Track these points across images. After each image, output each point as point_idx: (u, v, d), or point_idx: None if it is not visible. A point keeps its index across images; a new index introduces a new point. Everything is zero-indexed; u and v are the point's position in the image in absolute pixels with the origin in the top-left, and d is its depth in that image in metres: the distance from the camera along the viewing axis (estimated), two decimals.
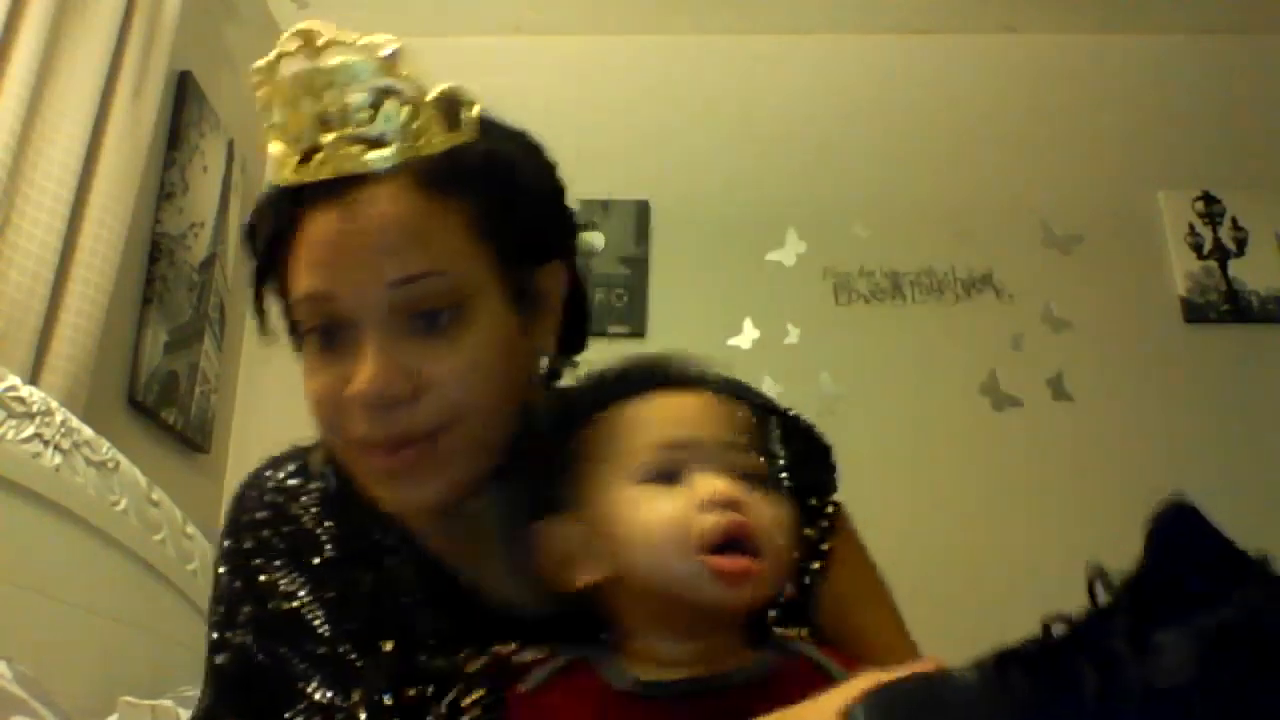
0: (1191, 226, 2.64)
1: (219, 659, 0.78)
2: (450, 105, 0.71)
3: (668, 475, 0.66)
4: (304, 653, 0.75)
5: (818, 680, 0.65)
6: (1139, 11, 2.77)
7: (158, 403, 2.08)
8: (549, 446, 0.72)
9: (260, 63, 0.71)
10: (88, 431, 1.50)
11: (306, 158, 0.69)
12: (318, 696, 0.74)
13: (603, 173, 2.60)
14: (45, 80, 1.63)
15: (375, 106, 0.68)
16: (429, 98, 0.69)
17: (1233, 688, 0.46)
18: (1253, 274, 2.59)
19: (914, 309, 2.59)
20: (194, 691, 1.54)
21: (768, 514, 0.65)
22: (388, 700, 0.73)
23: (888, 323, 2.57)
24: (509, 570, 0.75)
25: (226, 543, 0.82)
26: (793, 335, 2.52)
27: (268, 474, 0.85)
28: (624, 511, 0.66)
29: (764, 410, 0.84)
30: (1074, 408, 2.50)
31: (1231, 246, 2.62)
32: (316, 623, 0.76)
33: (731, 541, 0.63)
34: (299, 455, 0.85)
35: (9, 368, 1.41)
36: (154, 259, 2.11)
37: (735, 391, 0.77)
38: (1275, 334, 2.55)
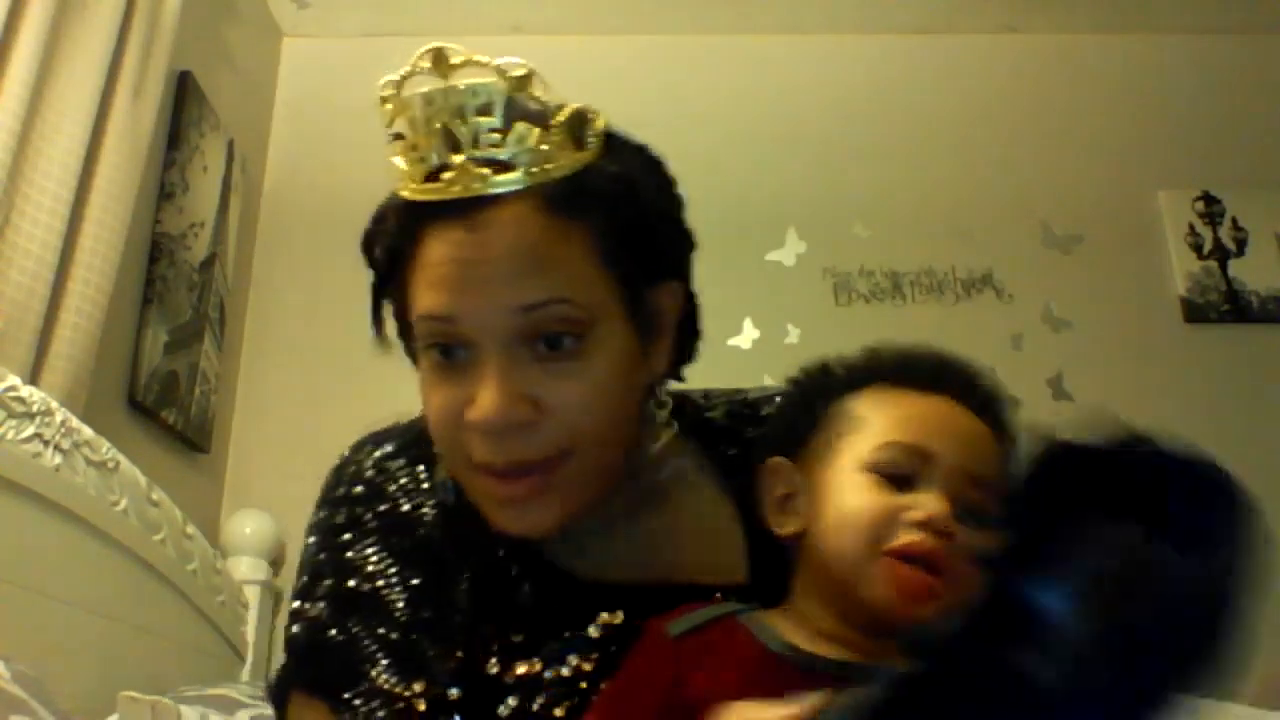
0: (1191, 226, 2.64)
1: (294, 628, 0.79)
2: (578, 124, 0.71)
3: (897, 476, 0.66)
4: (376, 635, 0.75)
5: None
6: (1139, 11, 2.77)
7: (158, 403, 2.08)
8: (795, 401, 0.74)
9: (389, 78, 0.71)
10: (88, 431, 1.50)
11: (434, 175, 0.69)
12: (381, 681, 0.74)
13: None
14: (45, 80, 1.63)
15: (506, 129, 0.68)
16: (559, 119, 0.69)
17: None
18: (1253, 274, 2.59)
19: (914, 309, 2.59)
20: (194, 691, 1.55)
21: (971, 553, 0.65)
22: (453, 694, 0.73)
23: (888, 323, 2.57)
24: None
25: (320, 513, 0.82)
26: (793, 335, 2.52)
27: (369, 448, 0.83)
28: (842, 489, 0.67)
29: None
30: (1074, 408, 2.50)
31: (1231, 246, 2.62)
32: (395, 607, 0.76)
33: (924, 561, 0.63)
34: (403, 433, 0.84)
35: (9, 368, 1.41)
36: (154, 259, 2.11)
37: (1003, 427, 0.74)
38: (1275, 334, 2.55)
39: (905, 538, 0.63)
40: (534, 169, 0.68)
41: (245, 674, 2.06)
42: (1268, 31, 2.80)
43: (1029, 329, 2.57)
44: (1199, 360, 2.53)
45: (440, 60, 0.69)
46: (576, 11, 2.79)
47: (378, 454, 0.82)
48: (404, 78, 0.70)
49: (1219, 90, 2.76)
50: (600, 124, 0.72)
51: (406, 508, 0.80)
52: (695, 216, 2.80)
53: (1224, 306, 2.57)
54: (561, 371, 0.69)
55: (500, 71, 0.68)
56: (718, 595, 0.74)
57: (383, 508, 0.80)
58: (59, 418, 1.42)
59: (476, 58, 0.69)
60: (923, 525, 0.63)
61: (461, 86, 0.68)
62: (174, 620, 1.78)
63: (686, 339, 0.81)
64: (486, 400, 0.68)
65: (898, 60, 2.81)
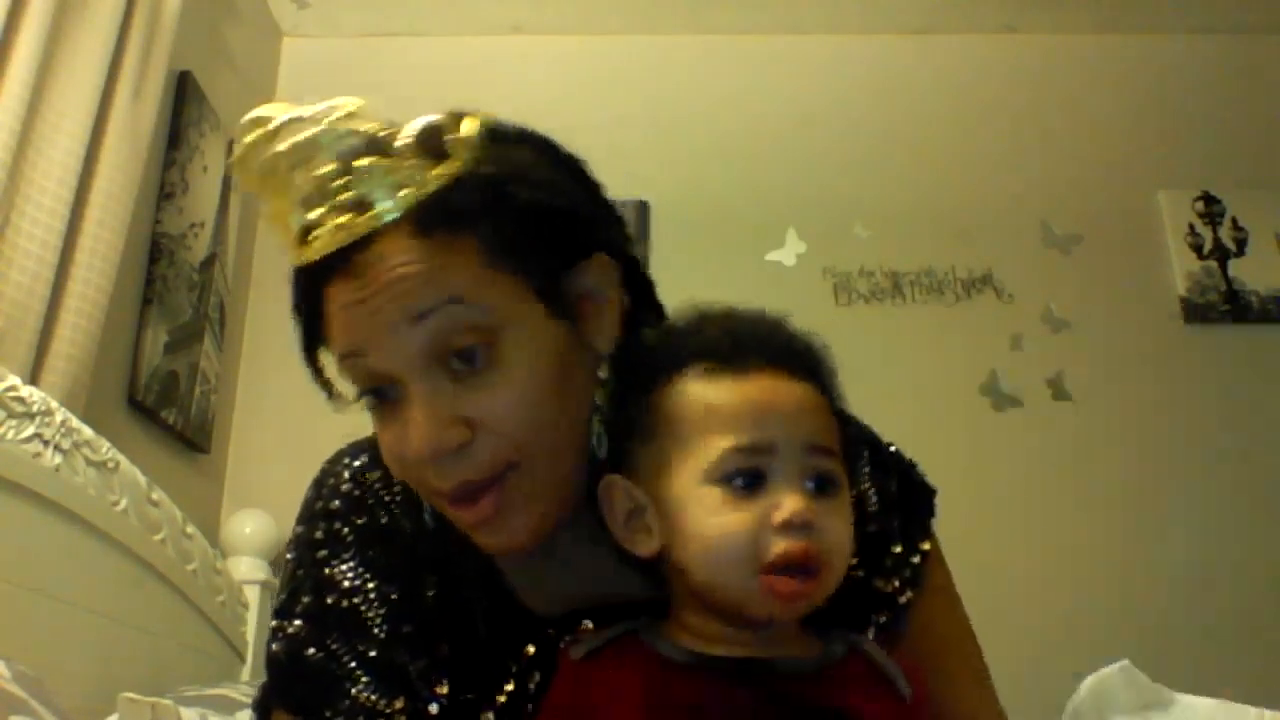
0: (1191, 226, 2.64)
1: (274, 646, 0.78)
2: (431, 138, 0.68)
3: (744, 479, 0.64)
4: (355, 652, 0.76)
5: (872, 679, 0.65)
6: (1139, 11, 2.77)
7: (158, 403, 2.08)
8: (620, 394, 0.71)
9: (231, 159, 0.72)
10: (88, 431, 1.50)
11: (305, 238, 0.69)
12: (362, 699, 0.74)
13: (603, 173, 2.59)
14: (45, 80, 1.63)
15: (346, 171, 0.67)
16: (400, 142, 0.67)
17: None
18: (1253, 274, 2.59)
19: (914, 309, 2.59)
20: (194, 691, 1.55)
21: (837, 531, 0.64)
22: (433, 709, 0.74)
23: (888, 323, 2.57)
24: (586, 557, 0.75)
25: (299, 529, 0.82)
26: None
27: (347, 460, 0.83)
28: (693, 508, 0.65)
29: (858, 441, 0.81)
30: (1074, 408, 2.50)
31: (1231, 246, 2.62)
32: (373, 623, 0.76)
33: (799, 566, 0.62)
34: (378, 445, 0.82)
35: (9, 368, 1.41)
36: (154, 259, 2.11)
37: (829, 376, 0.71)
38: (1275, 334, 2.55)
39: (775, 548, 0.62)
40: (392, 199, 0.67)
41: (245, 674, 2.06)
42: (1268, 31, 2.80)
43: (1029, 329, 2.57)
44: (1199, 360, 2.53)
45: (263, 124, 0.68)
46: (576, 11, 2.79)
47: (356, 465, 0.82)
48: (241, 158, 0.70)
49: (1219, 90, 2.76)
50: (465, 129, 0.70)
51: (384, 520, 0.80)
52: (696, 216, 2.81)
53: (1224, 306, 2.57)
54: (481, 384, 0.68)
55: (320, 118, 0.67)
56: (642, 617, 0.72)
57: (360, 521, 0.79)
58: (59, 418, 1.42)
59: (297, 112, 0.68)
60: (787, 527, 0.62)
61: (286, 147, 0.67)
62: (174, 620, 1.78)
63: (642, 306, 0.79)
64: (414, 434, 0.68)
65: (898, 60, 2.81)
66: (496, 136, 0.73)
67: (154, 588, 1.69)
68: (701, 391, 0.66)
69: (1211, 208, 2.65)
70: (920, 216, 2.65)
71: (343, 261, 0.68)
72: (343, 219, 0.67)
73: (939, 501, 0.85)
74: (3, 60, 1.55)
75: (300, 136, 0.67)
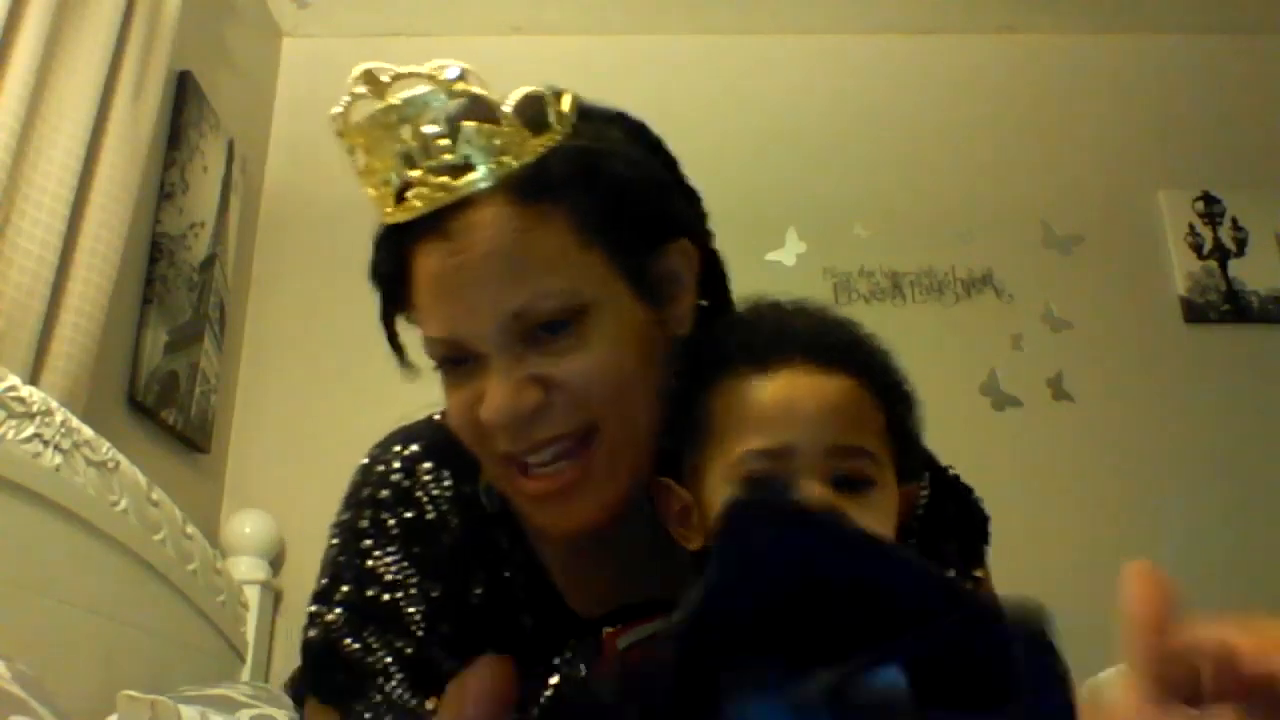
0: (1191, 226, 2.64)
1: (310, 633, 0.78)
2: (533, 108, 0.69)
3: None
4: (392, 648, 0.75)
5: None
6: (1139, 11, 2.77)
7: (158, 403, 2.08)
8: (673, 400, 0.70)
9: (333, 111, 0.70)
10: (88, 431, 1.50)
11: (400, 197, 0.68)
12: (394, 695, 0.73)
13: None
14: (45, 80, 1.63)
15: (452, 133, 0.67)
16: (505, 107, 0.67)
17: None
18: (1253, 274, 2.59)
19: (914, 309, 2.59)
20: (194, 691, 1.55)
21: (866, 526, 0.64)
22: None
23: (888, 323, 2.53)
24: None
25: (345, 514, 0.80)
26: None
27: (398, 447, 0.82)
28: (719, 510, 0.65)
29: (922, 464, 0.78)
30: (1074, 408, 2.50)
31: (1231, 246, 2.62)
32: (413, 620, 0.75)
33: None
34: (433, 432, 0.82)
35: (9, 368, 1.41)
36: (154, 259, 2.11)
37: (878, 367, 0.70)
38: (1275, 334, 2.55)
39: None
40: (492, 164, 0.67)
41: (245, 674, 2.06)
42: (1268, 31, 2.80)
43: (1029, 329, 2.57)
44: (1199, 360, 2.53)
45: (373, 80, 0.68)
46: (576, 11, 2.79)
47: (407, 453, 0.81)
48: (346, 107, 0.69)
49: (1219, 90, 2.76)
50: (562, 104, 0.71)
51: (432, 515, 0.78)
52: None
53: (1224, 306, 2.57)
54: (564, 349, 0.68)
55: (433, 76, 0.67)
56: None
57: (408, 514, 0.78)
58: (59, 418, 1.42)
59: (409, 69, 0.68)
60: None
61: (399, 101, 0.67)
62: (174, 620, 1.78)
63: (716, 295, 0.79)
64: (495, 394, 0.68)
65: (898, 60, 2.81)
66: (591, 114, 0.74)
67: (154, 588, 1.69)
68: (730, 393, 0.66)
69: (1211, 208, 2.65)
70: (920, 216, 2.65)
71: (437, 225, 0.68)
72: (443, 179, 0.67)
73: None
74: (3, 60, 1.55)
75: (412, 92, 0.67)
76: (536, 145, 0.68)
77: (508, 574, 0.78)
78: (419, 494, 0.79)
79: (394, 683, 0.74)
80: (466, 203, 0.67)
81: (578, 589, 0.78)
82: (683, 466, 0.69)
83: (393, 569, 0.77)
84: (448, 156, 0.67)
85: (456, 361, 0.71)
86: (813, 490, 0.62)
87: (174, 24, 1.98)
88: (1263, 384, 2.50)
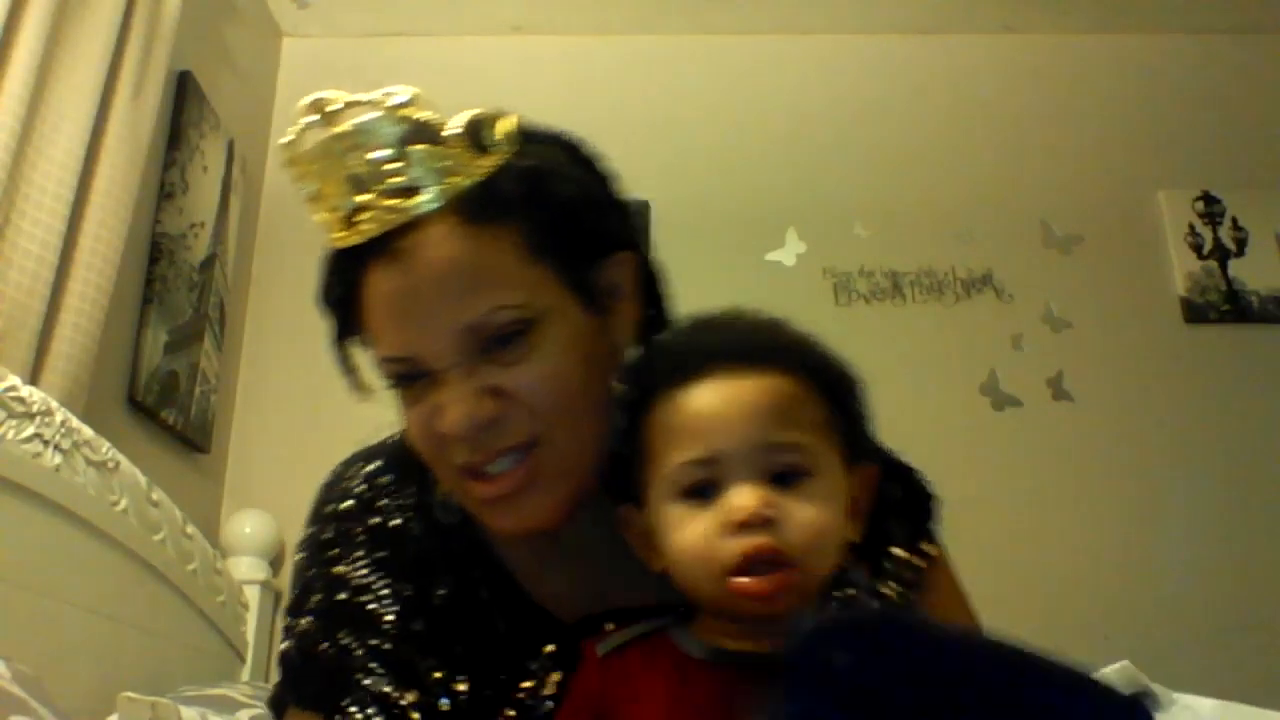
0: (1191, 226, 2.64)
1: (284, 644, 0.80)
2: (478, 130, 0.71)
3: (699, 491, 0.64)
4: (367, 646, 0.76)
5: None
6: (1139, 11, 2.77)
7: (158, 403, 2.08)
8: (618, 430, 0.72)
9: (283, 140, 0.72)
10: (88, 431, 1.50)
11: (350, 221, 0.70)
12: (375, 689, 0.74)
13: None
14: (45, 80, 1.63)
15: (401, 157, 0.69)
16: (451, 130, 0.70)
17: None
18: (1253, 274, 2.59)
19: (914, 309, 2.59)
20: (194, 691, 1.55)
21: (806, 518, 0.63)
22: (444, 705, 0.74)
23: (888, 323, 2.57)
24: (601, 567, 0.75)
25: (309, 530, 0.83)
26: None
27: (359, 465, 0.84)
28: (665, 528, 0.66)
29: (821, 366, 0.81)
30: (1074, 408, 2.50)
31: (1231, 246, 2.62)
32: (385, 619, 0.77)
33: (764, 560, 0.62)
34: (393, 449, 0.84)
35: (9, 368, 1.41)
36: (154, 259, 2.11)
37: (811, 359, 0.71)
38: (1275, 334, 2.55)
39: (734, 549, 0.62)
40: (441, 185, 0.69)
41: (245, 674, 2.06)
42: (1268, 31, 2.80)
43: (1029, 329, 2.57)
44: (1199, 360, 2.53)
45: (322, 109, 0.70)
46: (576, 11, 2.79)
47: (367, 470, 0.83)
48: (297, 137, 0.71)
49: (1219, 90, 2.76)
50: (505, 125, 0.72)
51: (396, 522, 0.80)
52: (696, 216, 2.82)
53: (1224, 306, 2.57)
54: (517, 360, 0.70)
55: (380, 103, 0.69)
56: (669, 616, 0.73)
57: (372, 521, 0.80)
58: (59, 418, 1.42)
59: (357, 97, 0.70)
60: (744, 526, 0.62)
61: (348, 128, 0.69)
62: (174, 620, 1.78)
63: (655, 304, 0.82)
64: (452, 407, 0.70)
65: (898, 60, 2.81)
66: (533, 134, 0.76)
67: (154, 588, 1.69)
68: (660, 412, 0.68)
69: (1211, 208, 2.65)
70: (920, 216, 2.65)
71: (387, 247, 0.69)
72: (392, 201, 0.69)
73: (942, 491, 0.84)
74: (3, 60, 1.55)
75: (360, 119, 0.69)
76: (483, 166, 0.71)
77: (474, 577, 0.79)
78: (382, 502, 0.81)
79: (373, 677, 0.75)
80: (416, 224, 0.69)
81: (548, 591, 0.79)
82: (637, 490, 0.70)
83: (360, 573, 0.78)
84: (397, 179, 0.69)
85: (411, 379, 0.73)
86: (747, 491, 0.63)
87: (174, 24, 1.99)
88: (1263, 384, 2.50)
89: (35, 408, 1.37)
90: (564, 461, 0.72)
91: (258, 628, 2.14)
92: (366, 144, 0.69)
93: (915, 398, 2.47)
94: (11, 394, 1.33)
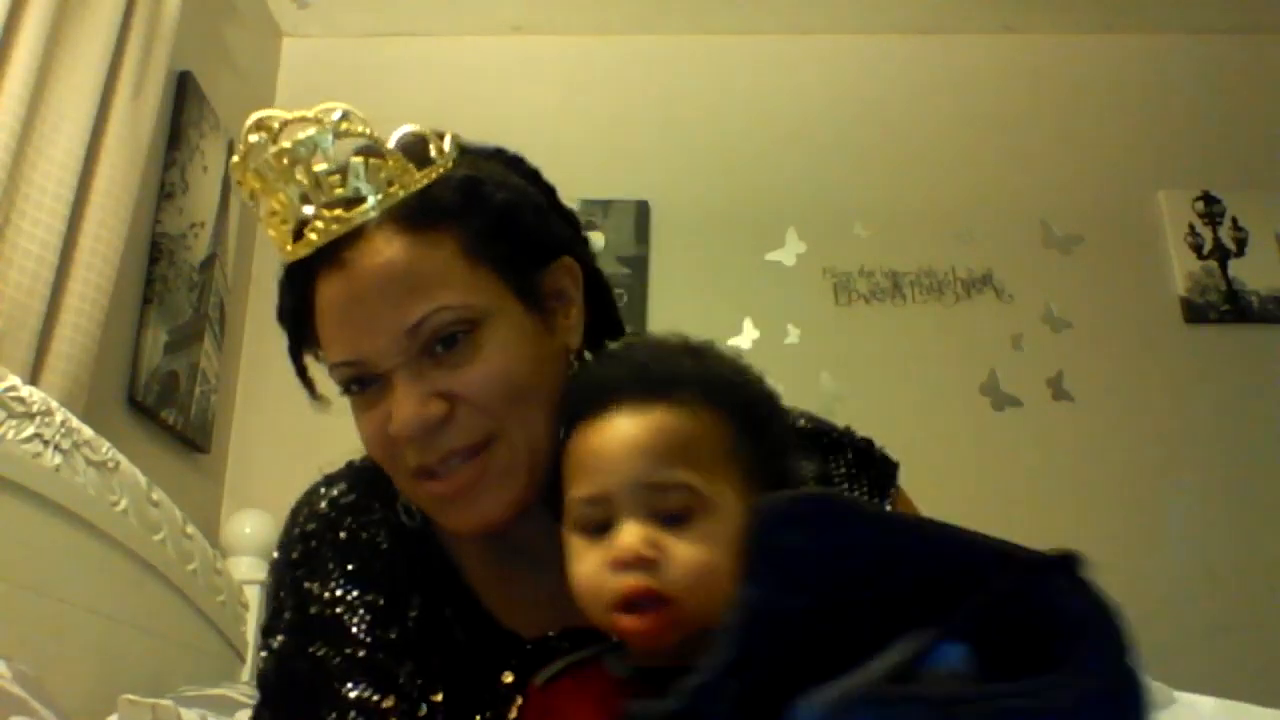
0: (1191, 226, 2.64)
1: (261, 665, 0.81)
2: (416, 146, 0.74)
3: (594, 526, 0.66)
4: (343, 655, 0.77)
5: None
6: (1139, 11, 2.77)
7: (158, 403, 2.08)
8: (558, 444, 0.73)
9: (233, 160, 0.75)
10: (88, 431, 1.50)
11: (298, 234, 0.73)
12: (354, 696, 0.75)
13: (603, 173, 2.60)
14: (45, 80, 1.63)
15: (342, 169, 0.72)
16: (389, 144, 0.73)
17: None
18: (1253, 274, 2.59)
19: (914, 309, 2.59)
20: (194, 691, 1.55)
21: (689, 558, 0.63)
22: (423, 711, 0.75)
23: (888, 323, 2.57)
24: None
25: (277, 555, 0.84)
26: (793, 335, 2.52)
27: (322, 490, 0.86)
28: (567, 557, 0.68)
29: (803, 435, 0.83)
30: (1074, 408, 2.50)
31: (1231, 246, 2.62)
32: (359, 629, 0.77)
33: (643, 600, 0.63)
34: (356, 473, 0.86)
35: (9, 368, 1.41)
36: (154, 259, 2.11)
37: (715, 389, 0.69)
38: (1275, 334, 2.55)
39: (614, 586, 0.63)
40: (381, 195, 0.72)
41: (245, 674, 2.06)
42: (1268, 31, 2.80)
43: (1029, 329, 2.57)
44: (1199, 360, 2.53)
45: (265, 127, 0.73)
46: (576, 11, 2.79)
47: (331, 493, 0.84)
48: (244, 156, 0.74)
49: (1219, 90, 2.76)
50: (444, 141, 0.75)
51: (364, 536, 0.81)
52: (696, 216, 2.81)
53: (1224, 306, 2.57)
54: (462, 360, 0.72)
55: (319, 120, 0.72)
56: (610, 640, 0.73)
57: (340, 536, 0.81)
58: (59, 418, 1.42)
59: (297, 115, 0.73)
60: (625, 565, 0.63)
61: (289, 145, 0.72)
62: (174, 620, 1.78)
63: (602, 311, 0.84)
64: (401, 410, 0.72)
65: (898, 60, 2.81)
66: (471, 150, 0.79)
67: (154, 588, 1.69)
68: (571, 442, 0.69)
69: (1211, 208, 2.65)
70: (920, 216, 2.65)
71: (333, 257, 0.73)
72: (335, 212, 0.72)
73: (938, 499, 0.85)
74: (3, 60, 1.55)
75: (301, 135, 0.72)
76: (421, 177, 0.74)
77: (440, 595, 0.80)
78: (348, 520, 0.82)
79: (350, 685, 0.75)
80: (360, 234, 0.72)
81: (507, 610, 0.80)
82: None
83: (330, 586, 0.79)
84: (339, 191, 0.72)
85: (362, 385, 0.75)
86: (630, 530, 0.64)
87: (174, 24, 1.99)
88: (1263, 384, 2.50)
89: (35, 408, 1.37)
90: (515, 459, 0.73)
91: (257, 628, 2.14)
92: (309, 158, 0.72)
93: (915, 398, 2.47)
94: (11, 394, 1.33)
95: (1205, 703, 1.22)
